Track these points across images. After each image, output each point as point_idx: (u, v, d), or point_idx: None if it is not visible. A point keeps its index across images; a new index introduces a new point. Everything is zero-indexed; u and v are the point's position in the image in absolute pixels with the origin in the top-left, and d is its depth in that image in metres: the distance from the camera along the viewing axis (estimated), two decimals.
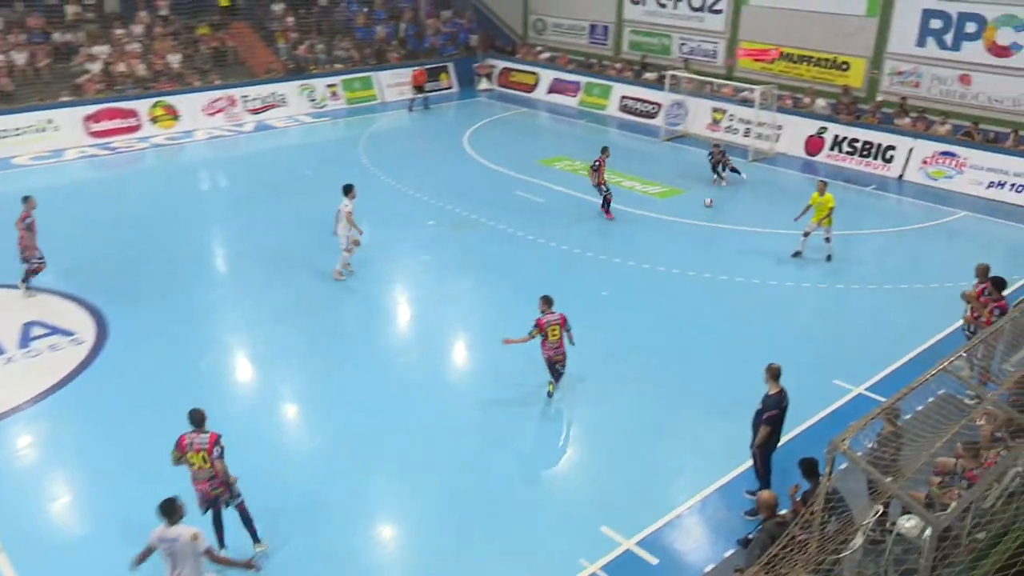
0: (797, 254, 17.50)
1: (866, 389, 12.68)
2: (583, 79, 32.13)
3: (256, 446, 11.12)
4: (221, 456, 8.90)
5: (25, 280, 15.50)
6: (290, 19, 32.79)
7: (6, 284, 15.84)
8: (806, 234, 17.41)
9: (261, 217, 19.83)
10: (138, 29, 29.46)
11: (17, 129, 24.58)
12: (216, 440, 8.89)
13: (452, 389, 13.05)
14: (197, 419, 9.05)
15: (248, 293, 16.02)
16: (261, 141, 27.32)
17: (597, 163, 19.77)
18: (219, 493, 9.06)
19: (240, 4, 32.74)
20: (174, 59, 29.05)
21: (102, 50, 28.19)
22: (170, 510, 7.82)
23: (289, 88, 30.24)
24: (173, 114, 27.58)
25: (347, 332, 14.52)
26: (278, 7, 33.07)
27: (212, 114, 28.32)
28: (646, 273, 16.83)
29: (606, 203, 19.92)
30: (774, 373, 9.88)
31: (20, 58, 27.00)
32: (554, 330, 12.00)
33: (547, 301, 12.12)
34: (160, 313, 14.98)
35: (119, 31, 29.00)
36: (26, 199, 15.30)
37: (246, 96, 29.18)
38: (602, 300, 15.64)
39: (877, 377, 13.00)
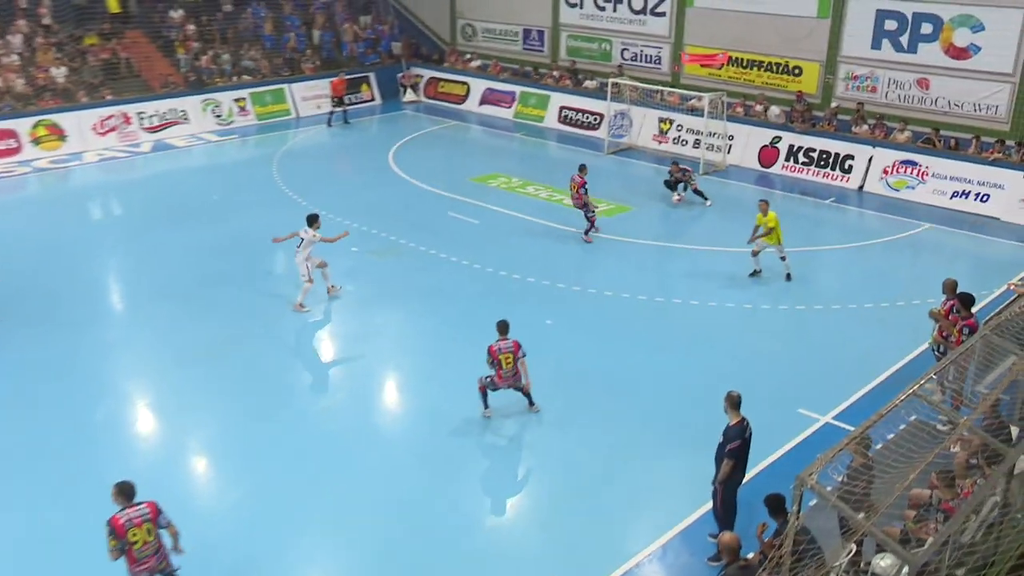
0: (755, 273, 17.83)
1: (833, 418, 12.93)
2: (518, 89, 32.44)
3: (167, 506, 10.77)
4: (168, 523, 8.71)
5: None
6: (191, 27, 32.44)
7: None
8: (755, 253, 17.75)
9: (162, 248, 19.43)
10: (16, 40, 28.78)
11: None
12: (156, 507, 8.64)
13: (384, 433, 12.91)
14: (128, 492, 8.66)
15: (148, 333, 15.66)
16: (160, 163, 26.83)
17: (579, 183, 19.72)
18: (164, 567, 8.75)
19: (133, 11, 32.26)
20: (59, 73, 28.45)
21: None
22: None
23: (191, 103, 29.85)
24: (58, 134, 26.94)
25: (263, 374, 14.26)
26: (177, 13, 32.70)
27: (103, 133, 27.76)
28: (593, 299, 16.95)
29: (590, 226, 20.03)
30: (734, 402, 10.01)
31: None
32: (507, 358, 12.32)
33: (501, 327, 12.52)
34: (48, 356, 14.54)
35: None
36: None
37: (142, 113, 28.70)
38: (546, 329, 15.68)
39: (844, 404, 13.26)
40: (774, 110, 26.72)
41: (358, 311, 16.83)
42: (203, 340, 15.22)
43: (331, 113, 31.14)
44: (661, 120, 28.11)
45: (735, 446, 9.91)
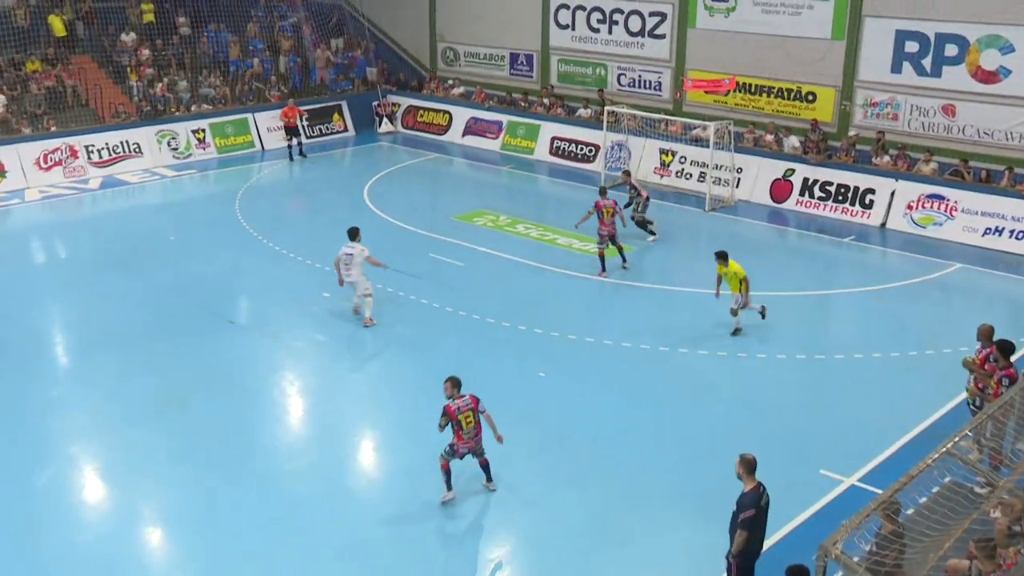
0: (736, 332, 17.51)
1: (859, 480, 12.90)
2: (505, 118, 32.75)
3: None
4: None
5: None
6: (145, 51, 32.70)
7: None
8: (734, 311, 17.47)
9: (112, 294, 19.40)
10: None
11: None
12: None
13: (355, 499, 12.83)
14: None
15: (96, 388, 15.59)
16: (110, 201, 26.88)
17: (613, 206, 20.36)
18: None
19: (81, 34, 32.54)
20: None
21: None
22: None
23: (144, 135, 29.99)
24: None
25: (222, 433, 14.17)
26: (129, 37, 32.98)
27: (47, 168, 27.82)
28: (590, 348, 16.97)
29: (621, 253, 20.82)
30: (749, 466, 9.97)
31: None
32: (467, 417, 12.11)
33: (454, 383, 12.29)
34: None
35: None
36: None
37: (90, 146, 28.81)
38: (538, 382, 15.67)
39: (870, 465, 13.24)
40: (792, 140, 26.93)
41: (329, 362, 16.80)
42: (157, 395, 15.15)
43: (288, 146, 31.10)
44: (663, 151, 28.38)
45: (750, 515, 9.85)
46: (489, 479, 12.66)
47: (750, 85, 28.38)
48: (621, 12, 31.06)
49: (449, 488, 12.42)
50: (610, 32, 31.54)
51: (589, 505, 12.42)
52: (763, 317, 17.56)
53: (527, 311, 18.55)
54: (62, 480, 13.12)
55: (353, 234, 17.85)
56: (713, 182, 26.31)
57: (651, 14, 30.33)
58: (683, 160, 27.97)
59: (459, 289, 19.74)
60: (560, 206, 24.23)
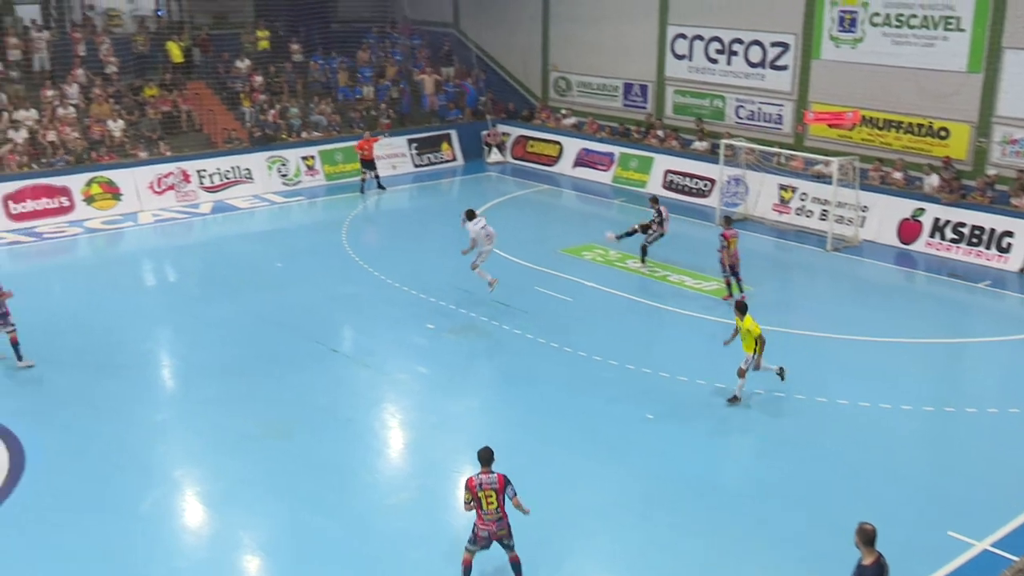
0: (734, 400, 16.35)
1: (992, 544, 12.38)
2: (617, 150, 32.76)
3: None
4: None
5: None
6: (257, 78, 33.80)
7: None
8: (741, 371, 16.14)
9: (218, 320, 19.98)
10: (72, 90, 30.39)
11: None
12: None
13: (455, 537, 12.80)
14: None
15: (199, 414, 16.01)
16: (220, 225, 27.79)
17: (732, 238, 20.56)
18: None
19: (197, 60, 33.84)
20: (115, 126, 29.86)
21: (28, 115, 29.03)
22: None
23: (255, 161, 30.94)
24: (113, 192, 28.20)
25: (322, 465, 14.39)
26: (243, 64, 34.16)
27: (160, 192, 28.93)
28: (700, 391, 16.72)
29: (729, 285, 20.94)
30: (868, 537, 9.57)
31: None
32: (488, 496, 11.04)
33: (484, 457, 11.24)
34: (91, 438, 14.96)
35: (49, 92, 29.91)
36: None
37: (202, 171, 29.84)
38: (644, 426, 15.50)
39: (1005, 528, 12.71)
40: (932, 179, 26.04)
41: (431, 395, 16.94)
42: (259, 423, 15.49)
43: (363, 179, 31.08)
44: (782, 187, 27.96)
45: None
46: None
47: (877, 119, 27.79)
48: (741, 42, 30.85)
49: None
50: (729, 63, 31.33)
51: (692, 569, 12.18)
52: (782, 379, 16.49)
53: (635, 350, 18.42)
54: (165, 505, 13.50)
55: (471, 214, 20.68)
56: (836, 221, 25.79)
57: (773, 44, 30.03)
58: (804, 197, 27.49)
59: (565, 324, 19.72)
60: (672, 241, 23.99)
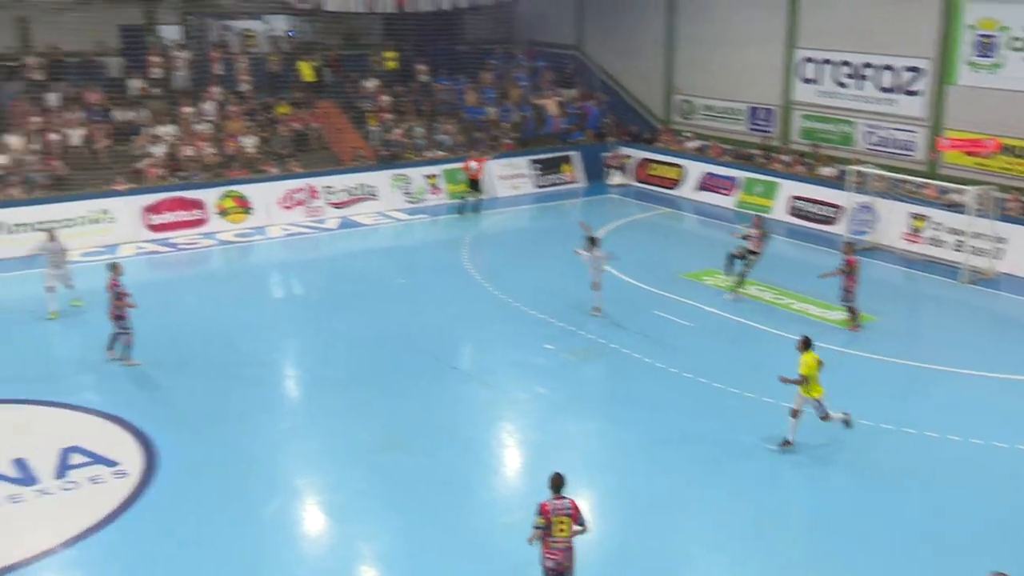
0: (785, 444, 15.42)
1: None
2: (741, 174, 32.34)
3: None
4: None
5: (111, 347, 18.52)
6: (384, 97, 34.51)
7: (52, 401, 16.90)
8: (794, 413, 15.22)
9: (341, 333, 20.43)
10: (209, 107, 31.55)
11: (69, 219, 26.26)
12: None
13: None
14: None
15: (322, 425, 16.39)
16: (345, 241, 28.44)
17: (856, 264, 20.23)
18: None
19: (328, 79, 34.76)
20: (248, 142, 30.86)
21: (167, 131, 30.26)
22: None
23: (380, 178, 31.58)
24: (244, 206, 29.15)
25: (440, 480, 14.51)
26: (371, 83, 34.93)
27: (289, 207, 29.76)
28: (825, 426, 16.27)
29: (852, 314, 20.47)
30: None
31: (76, 137, 29.21)
32: (561, 523, 10.64)
33: (556, 483, 10.87)
34: (219, 444, 15.47)
35: (187, 109, 31.12)
36: (113, 266, 18.59)
37: (329, 187, 30.59)
38: (766, 457, 15.18)
39: None
40: None
41: (550, 416, 16.93)
42: (379, 436, 15.74)
43: (464, 200, 31.29)
44: (913, 216, 27.13)
45: None
46: None
47: (1016, 148, 26.79)
48: (872, 67, 30.17)
49: None
50: (859, 87, 30.66)
51: None
52: (848, 426, 15.57)
53: (757, 378, 18.03)
54: (286, 512, 13.83)
55: (593, 241, 21.07)
56: (971, 252, 24.89)
57: (906, 69, 29.28)
58: (937, 226, 26.61)
59: (685, 350, 19.51)
60: (797, 268, 23.60)
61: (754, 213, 25.33)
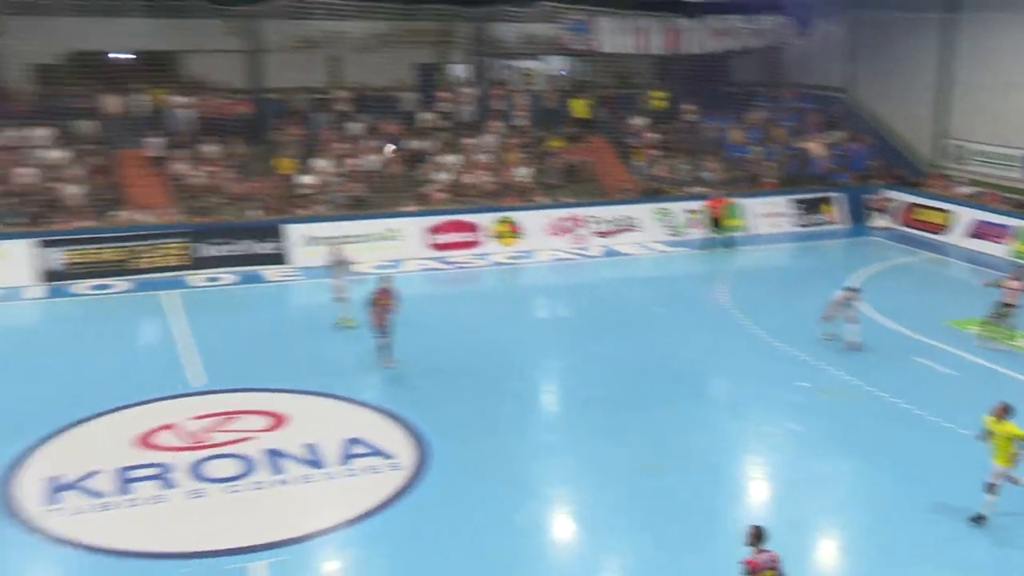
0: (980, 519, 13.63)
1: None
2: (1017, 223, 30.10)
3: None
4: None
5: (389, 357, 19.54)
6: (651, 135, 34.72)
7: (337, 395, 18.19)
8: (991, 486, 13.49)
9: (600, 356, 20.68)
10: (489, 139, 32.93)
11: (364, 235, 28.48)
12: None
13: None
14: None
15: (580, 442, 16.66)
16: (607, 268, 28.82)
17: None
18: None
19: (600, 116, 35.40)
20: (523, 172, 31.92)
21: (451, 160, 31.83)
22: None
23: (643, 211, 31.79)
24: (516, 231, 30.21)
25: (687, 507, 14.37)
26: (639, 121, 35.25)
27: (555, 234, 30.51)
28: None
29: None
30: None
31: (374, 163, 31.32)
32: None
33: (757, 534, 10.63)
34: (484, 449, 16.06)
35: (470, 140, 32.62)
36: (385, 279, 19.99)
37: (594, 217, 31.11)
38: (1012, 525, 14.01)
39: None
40: None
41: (801, 453, 16.42)
42: (633, 459, 15.78)
43: (712, 238, 30.81)
44: None
45: None
46: None
47: None
48: None
49: None
50: None
51: None
52: None
53: None
54: (537, 520, 14.15)
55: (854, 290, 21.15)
56: None
57: None
58: None
59: (948, 401, 18.26)
60: None
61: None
